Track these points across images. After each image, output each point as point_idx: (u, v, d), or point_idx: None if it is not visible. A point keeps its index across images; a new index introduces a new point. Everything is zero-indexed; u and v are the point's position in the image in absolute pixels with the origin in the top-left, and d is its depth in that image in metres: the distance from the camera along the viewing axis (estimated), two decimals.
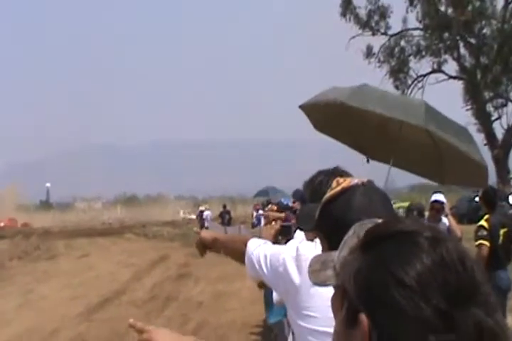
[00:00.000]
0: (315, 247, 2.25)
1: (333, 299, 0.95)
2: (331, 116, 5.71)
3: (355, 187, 1.86)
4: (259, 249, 2.70)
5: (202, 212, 34.89)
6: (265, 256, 2.60)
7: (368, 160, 6.13)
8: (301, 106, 5.63)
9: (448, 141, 5.05)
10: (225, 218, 32.39)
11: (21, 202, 78.74)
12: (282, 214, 5.34)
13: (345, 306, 0.89)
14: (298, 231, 3.81)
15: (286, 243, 3.79)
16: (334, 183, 1.93)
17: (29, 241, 39.32)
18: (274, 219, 3.75)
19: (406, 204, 17.27)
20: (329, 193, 1.87)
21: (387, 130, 5.67)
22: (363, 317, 0.83)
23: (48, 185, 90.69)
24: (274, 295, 3.18)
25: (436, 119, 5.23)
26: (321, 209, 1.88)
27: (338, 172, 2.48)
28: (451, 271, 0.81)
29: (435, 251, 0.83)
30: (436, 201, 8.07)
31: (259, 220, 24.54)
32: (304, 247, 2.41)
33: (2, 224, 56.19)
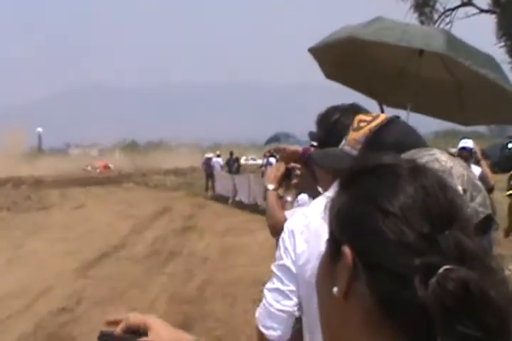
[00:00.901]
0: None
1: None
2: (341, 57, 5.69)
3: (396, 118, 2.03)
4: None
5: (209, 159, 34.80)
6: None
7: (382, 111, 6.12)
8: (310, 50, 5.61)
9: (472, 69, 4.94)
10: (232, 166, 32.38)
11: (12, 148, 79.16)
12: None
13: (329, 240, 0.95)
14: (301, 195, 3.80)
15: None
16: (366, 117, 1.96)
17: (19, 190, 39.68)
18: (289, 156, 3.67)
19: None
20: (374, 123, 1.99)
21: (403, 70, 5.63)
22: (346, 249, 0.88)
23: (39, 130, 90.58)
24: None
25: (459, 47, 5.12)
26: (370, 139, 2.00)
27: (354, 109, 2.47)
28: (432, 197, 0.88)
29: (416, 180, 0.89)
30: (463, 148, 7.98)
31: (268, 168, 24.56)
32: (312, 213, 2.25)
33: (99, 171, 56.83)
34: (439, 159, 1.58)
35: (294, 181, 3.52)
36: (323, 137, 2.55)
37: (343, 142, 2.13)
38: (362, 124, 2.05)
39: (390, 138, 1.97)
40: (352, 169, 0.96)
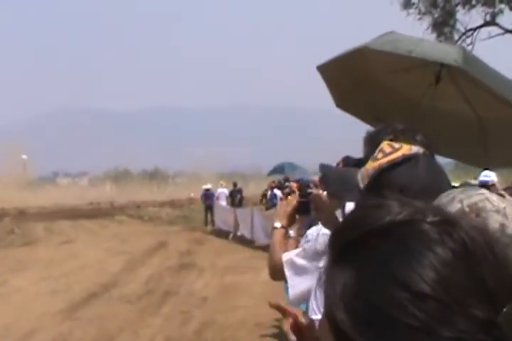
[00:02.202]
0: None
1: (321, 333, 0.81)
2: (352, 82, 5.60)
3: (419, 156, 1.93)
4: None
5: (207, 190, 34.81)
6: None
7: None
8: (318, 67, 5.48)
9: (495, 93, 4.68)
10: (235, 198, 32.39)
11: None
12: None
13: (335, 335, 0.75)
14: (311, 230, 3.52)
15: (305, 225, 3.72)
16: (387, 147, 1.92)
17: (1, 223, 39.66)
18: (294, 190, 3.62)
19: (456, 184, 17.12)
20: (386, 159, 1.92)
21: (417, 102, 5.46)
22: None
23: (24, 157, 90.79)
24: (290, 292, 3.12)
25: (479, 66, 4.92)
26: (377, 177, 1.92)
27: (410, 133, 2.42)
28: (481, 262, 0.70)
29: (452, 239, 0.72)
30: (484, 182, 7.96)
31: (274, 200, 24.52)
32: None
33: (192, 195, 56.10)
34: (489, 199, 1.49)
35: (314, 215, 3.43)
36: (368, 156, 2.33)
37: (361, 169, 2.03)
38: (379, 155, 1.97)
39: (396, 181, 1.85)
40: (351, 231, 0.77)
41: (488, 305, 0.67)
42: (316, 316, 2.44)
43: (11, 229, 34.27)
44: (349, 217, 0.81)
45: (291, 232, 3.65)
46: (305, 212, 3.42)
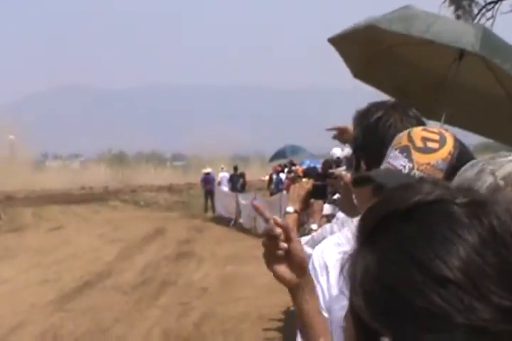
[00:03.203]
0: None
1: (346, 324, 0.82)
2: (366, 53, 5.56)
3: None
4: None
5: (208, 174, 34.82)
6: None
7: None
8: (329, 40, 5.42)
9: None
10: (236, 183, 32.39)
11: None
12: None
13: (357, 331, 0.77)
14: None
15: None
16: (421, 140, 1.90)
17: None
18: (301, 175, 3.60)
19: None
20: (449, 146, 1.91)
21: (437, 73, 5.41)
22: None
23: (11, 137, 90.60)
24: None
25: (498, 47, 4.95)
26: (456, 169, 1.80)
27: (401, 108, 2.40)
28: (510, 248, 0.70)
29: (481, 223, 0.72)
30: None
31: (278, 185, 24.55)
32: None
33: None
34: None
35: (329, 198, 3.39)
36: (360, 139, 2.43)
37: (409, 165, 1.93)
38: (431, 145, 1.90)
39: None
40: (378, 212, 0.77)
41: None
42: None
43: None
44: (378, 199, 0.80)
45: (314, 225, 3.62)
46: (321, 196, 3.44)
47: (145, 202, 42.94)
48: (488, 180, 1.35)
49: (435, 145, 1.89)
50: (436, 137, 1.91)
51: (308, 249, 3.10)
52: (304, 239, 3.19)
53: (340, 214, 3.34)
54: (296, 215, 3.38)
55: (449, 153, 1.88)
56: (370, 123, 2.38)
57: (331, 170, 3.81)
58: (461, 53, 4.85)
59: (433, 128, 2.01)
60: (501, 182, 1.33)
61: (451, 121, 5.22)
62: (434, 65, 5.43)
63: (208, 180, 33.59)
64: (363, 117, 2.43)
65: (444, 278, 0.68)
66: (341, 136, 3.65)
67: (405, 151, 1.92)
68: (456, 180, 1.45)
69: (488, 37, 4.91)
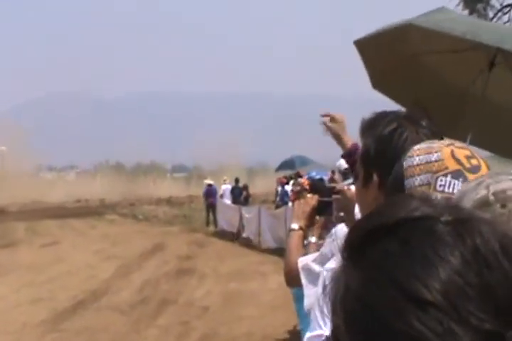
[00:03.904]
0: None
1: None
2: (390, 54, 5.48)
3: None
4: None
5: (209, 186, 34.90)
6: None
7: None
8: (356, 42, 5.29)
9: None
10: (238, 195, 32.38)
11: None
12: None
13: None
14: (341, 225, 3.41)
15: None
16: (465, 158, 1.83)
17: None
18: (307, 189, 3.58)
19: None
20: (484, 163, 1.83)
21: (465, 88, 5.27)
22: None
23: (2, 148, 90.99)
24: (306, 301, 3.09)
25: None
26: None
27: (414, 120, 2.36)
28: (493, 268, 0.69)
29: (463, 242, 0.71)
30: None
31: (284, 198, 24.54)
32: None
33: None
34: None
35: (336, 215, 3.38)
36: (373, 151, 2.37)
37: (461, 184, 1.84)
38: (474, 162, 1.85)
39: None
40: (358, 230, 0.78)
41: (497, 316, 0.67)
42: (317, 331, 2.41)
43: None
44: (365, 215, 0.81)
45: (313, 238, 3.62)
46: (326, 212, 3.42)
47: (144, 215, 42.97)
48: (481, 193, 1.38)
49: (475, 161, 1.86)
50: (468, 152, 1.87)
51: (316, 267, 3.05)
52: (312, 256, 3.17)
53: (339, 230, 3.27)
54: (301, 232, 3.40)
55: (486, 166, 1.86)
56: (384, 134, 2.33)
57: (331, 185, 3.77)
58: (492, 63, 4.75)
59: (459, 143, 1.94)
60: (492, 198, 1.36)
61: (476, 143, 4.98)
62: (459, 77, 5.33)
63: (209, 193, 33.66)
64: (374, 128, 2.39)
65: (423, 301, 0.68)
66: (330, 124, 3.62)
67: (460, 176, 1.84)
68: (460, 189, 1.49)
69: None
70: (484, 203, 1.35)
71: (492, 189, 1.38)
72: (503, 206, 1.34)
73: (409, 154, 1.90)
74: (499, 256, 0.70)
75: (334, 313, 0.76)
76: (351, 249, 0.77)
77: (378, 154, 2.32)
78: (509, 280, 0.69)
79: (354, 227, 0.80)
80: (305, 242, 3.54)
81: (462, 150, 1.87)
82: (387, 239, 0.74)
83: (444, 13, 4.91)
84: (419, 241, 0.72)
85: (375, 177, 2.29)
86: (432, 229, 0.73)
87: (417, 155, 1.87)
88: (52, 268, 20.14)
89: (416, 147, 1.91)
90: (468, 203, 1.35)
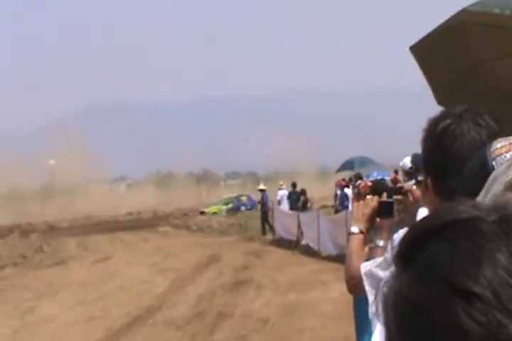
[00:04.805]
0: None
1: None
2: (450, 63, 4.87)
3: None
4: None
5: (263, 191, 34.97)
6: None
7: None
8: (411, 48, 4.80)
9: None
10: (296, 201, 32.32)
11: (17, 186, 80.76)
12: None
13: None
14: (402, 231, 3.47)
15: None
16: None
17: (28, 240, 40.30)
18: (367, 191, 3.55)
19: None
20: None
21: None
22: None
23: (51, 162, 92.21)
24: (371, 309, 3.04)
25: None
26: None
27: (472, 115, 2.30)
28: None
29: (509, 239, 0.75)
30: None
31: (344, 202, 24.45)
32: None
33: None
34: None
35: (397, 217, 3.37)
36: (426, 154, 2.38)
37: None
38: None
39: None
40: (410, 234, 0.82)
41: None
42: None
43: (40, 247, 34.79)
44: (417, 221, 0.88)
45: (381, 242, 3.57)
46: (388, 214, 3.37)
47: (197, 226, 43.14)
48: (511, 175, 1.38)
49: None
50: None
51: (380, 272, 3.00)
52: (376, 262, 3.12)
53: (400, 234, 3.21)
54: (362, 236, 3.37)
55: None
56: (436, 133, 2.30)
57: (399, 185, 3.72)
58: None
59: None
60: None
61: None
62: None
63: (262, 199, 33.93)
64: (429, 128, 2.35)
65: (469, 294, 0.72)
66: None
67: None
68: (493, 173, 1.47)
69: None
70: None
71: None
72: None
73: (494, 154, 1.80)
74: None
75: (386, 319, 0.80)
76: (401, 254, 0.82)
77: (429, 156, 2.32)
78: None
79: (406, 233, 0.83)
80: (371, 246, 3.51)
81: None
82: (434, 240, 0.78)
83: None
84: (466, 241, 0.76)
85: (428, 181, 2.27)
86: (478, 228, 0.76)
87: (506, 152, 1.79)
88: (105, 285, 20.33)
89: (498, 145, 1.82)
90: (499, 186, 1.37)
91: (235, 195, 57.77)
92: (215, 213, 50.99)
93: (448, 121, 2.30)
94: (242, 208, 53.26)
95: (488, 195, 1.29)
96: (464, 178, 1.84)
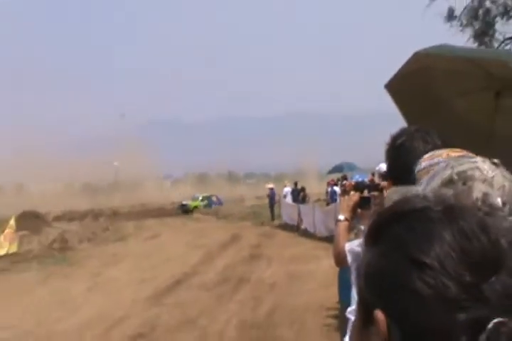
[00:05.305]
0: None
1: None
2: (417, 97, 4.64)
3: None
4: None
5: (271, 189, 35.02)
6: None
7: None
8: (386, 86, 4.58)
9: None
10: (297, 196, 32.29)
11: (91, 181, 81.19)
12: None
13: (359, 303, 0.85)
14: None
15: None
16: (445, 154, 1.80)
17: (98, 222, 40.43)
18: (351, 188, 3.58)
19: None
20: None
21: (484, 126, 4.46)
22: (379, 314, 0.77)
23: (115, 164, 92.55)
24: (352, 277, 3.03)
25: None
26: None
27: (422, 133, 2.33)
28: (473, 241, 0.76)
29: (452, 224, 0.78)
30: None
31: (333, 197, 24.39)
32: None
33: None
34: (480, 167, 1.45)
35: (373, 209, 3.40)
36: (389, 163, 2.41)
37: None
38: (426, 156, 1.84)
39: None
40: (379, 219, 0.84)
41: (474, 272, 0.73)
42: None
43: (106, 227, 34.92)
44: (383, 209, 0.88)
45: (363, 227, 3.56)
46: (366, 207, 3.37)
47: (222, 214, 43.12)
48: (447, 173, 1.44)
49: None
50: (462, 153, 1.83)
51: (359, 250, 2.97)
52: (356, 242, 3.14)
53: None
54: (346, 223, 3.38)
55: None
56: (395, 147, 2.33)
57: (378, 182, 3.75)
58: (497, 92, 4.17)
59: (456, 149, 1.89)
60: (455, 177, 1.43)
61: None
62: (479, 119, 4.57)
63: (270, 194, 34.28)
64: (390, 142, 2.38)
65: (422, 263, 0.75)
66: None
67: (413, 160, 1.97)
68: (434, 170, 1.55)
69: None
70: (449, 181, 1.43)
71: (456, 170, 1.44)
72: (464, 183, 1.42)
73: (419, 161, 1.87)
74: (476, 232, 0.76)
75: (358, 279, 0.83)
76: (371, 234, 0.84)
77: (391, 168, 2.37)
78: (483, 248, 0.75)
79: (374, 217, 0.86)
80: (355, 231, 3.55)
81: (456, 153, 1.82)
82: (396, 224, 0.81)
83: (446, 46, 4.41)
84: (419, 225, 0.79)
85: (386, 184, 2.42)
86: (428, 215, 0.80)
87: (423, 161, 1.84)
88: (154, 256, 20.35)
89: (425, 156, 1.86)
90: (437, 181, 1.44)
91: (207, 194, 55.74)
92: (195, 207, 50.11)
93: (403, 138, 2.34)
94: (213, 205, 51.68)
95: (427, 188, 1.32)
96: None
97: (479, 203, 0.84)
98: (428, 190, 1.06)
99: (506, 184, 1.43)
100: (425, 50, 4.15)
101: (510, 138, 4.27)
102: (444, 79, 4.38)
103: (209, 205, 51.37)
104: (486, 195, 1.33)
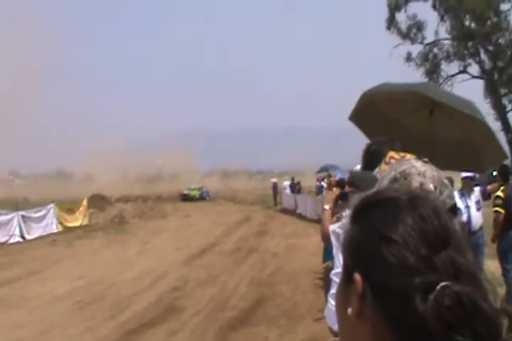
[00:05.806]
0: None
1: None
2: (375, 124, 4.53)
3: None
4: None
5: (275, 183, 35.11)
6: None
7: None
8: (350, 118, 4.48)
9: (474, 118, 3.92)
10: (294, 188, 32.25)
11: (142, 173, 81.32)
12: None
13: (343, 267, 0.85)
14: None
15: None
16: (389, 158, 1.89)
17: (146, 204, 40.47)
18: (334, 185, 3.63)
19: None
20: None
21: (419, 132, 4.44)
22: (357, 276, 0.77)
23: (160, 161, 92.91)
24: (334, 251, 3.06)
25: (443, 94, 4.28)
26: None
27: (388, 143, 2.35)
28: (428, 223, 0.77)
29: (414, 210, 0.79)
30: (466, 177, 7.51)
31: (321, 189, 24.35)
32: None
33: None
34: (415, 166, 1.50)
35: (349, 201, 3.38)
36: (364, 164, 2.44)
37: (377, 170, 2.04)
38: (391, 161, 1.93)
39: None
40: (359, 204, 0.85)
41: (429, 248, 0.74)
42: (339, 269, 2.38)
43: (152, 208, 34.95)
44: (363, 196, 0.87)
45: (343, 214, 3.58)
46: (345, 199, 3.40)
47: (239, 200, 43.05)
48: (392, 173, 1.49)
49: (393, 161, 1.95)
50: (398, 157, 1.94)
51: (339, 231, 3.02)
52: (338, 224, 3.15)
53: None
54: (330, 211, 3.39)
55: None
56: (369, 153, 2.39)
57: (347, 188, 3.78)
58: (431, 111, 4.11)
59: (401, 153, 2.00)
60: (398, 175, 1.47)
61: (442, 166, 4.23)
62: (422, 126, 4.46)
63: (274, 187, 34.18)
64: (365, 150, 2.46)
65: (389, 238, 0.76)
66: None
67: (381, 161, 2.04)
68: (383, 174, 1.58)
69: (436, 87, 4.31)
70: (394, 179, 1.47)
71: (398, 170, 1.49)
72: (405, 179, 1.46)
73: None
74: (431, 216, 0.77)
75: (343, 250, 0.83)
76: (353, 215, 0.84)
77: (366, 167, 2.38)
78: (435, 229, 0.76)
79: (357, 203, 0.86)
80: (338, 216, 3.57)
81: (392, 153, 1.96)
82: (373, 209, 0.82)
83: (387, 83, 4.28)
84: (390, 210, 0.80)
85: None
86: (397, 203, 0.81)
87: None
88: (187, 230, 20.36)
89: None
90: (386, 181, 1.48)
91: (199, 186, 51.61)
92: (194, 196, 46.33)
93: (375, 146, 2.39)
94: (205, 195, 47.68)
95: (381, 186, 1.34)
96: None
97: (418, 190, 0.87)
98: (381, 187, 1.05)
99: (435, 174, 1.50)
100: (369, 89, 4.22)
101: (446, 142, 4.43)
102: (389, 106, 4.41)
103: (201, 195, 47.73)
104: (422, 184, 1.46)
